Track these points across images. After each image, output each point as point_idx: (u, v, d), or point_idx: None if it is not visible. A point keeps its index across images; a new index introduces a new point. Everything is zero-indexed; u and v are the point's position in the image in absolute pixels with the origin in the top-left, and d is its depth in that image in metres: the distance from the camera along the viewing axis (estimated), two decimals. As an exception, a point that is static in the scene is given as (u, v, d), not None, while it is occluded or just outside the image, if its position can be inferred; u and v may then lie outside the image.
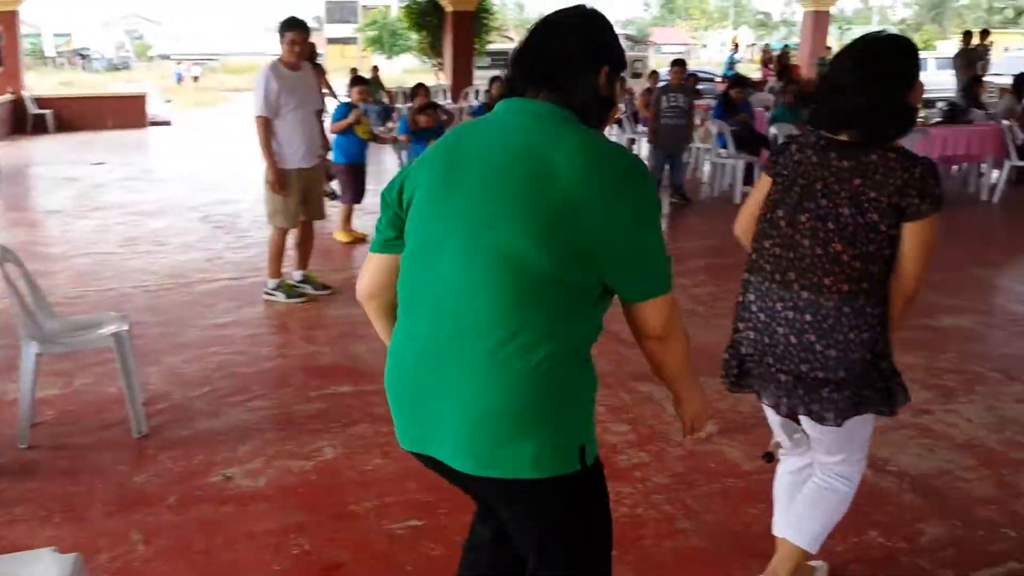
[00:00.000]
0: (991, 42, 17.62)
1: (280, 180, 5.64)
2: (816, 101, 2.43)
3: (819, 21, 23.64)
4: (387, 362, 1.80)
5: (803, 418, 2.43)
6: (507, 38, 47.16)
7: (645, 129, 11.14)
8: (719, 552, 3.03)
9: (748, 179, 10.01)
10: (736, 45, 28.75)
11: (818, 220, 2.30)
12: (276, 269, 5.99)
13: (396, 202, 1.77)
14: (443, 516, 3.22)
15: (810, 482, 2.61)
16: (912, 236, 2.23)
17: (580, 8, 1.78)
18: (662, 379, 1.91)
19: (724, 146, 10.30)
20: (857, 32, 68.03)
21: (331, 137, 7.37)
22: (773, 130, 9.62)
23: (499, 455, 1.61)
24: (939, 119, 11.16)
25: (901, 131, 2.28)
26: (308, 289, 6.10)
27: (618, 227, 1.59)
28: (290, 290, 5.99)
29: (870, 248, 2.25)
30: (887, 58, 2.29)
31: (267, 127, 5.59)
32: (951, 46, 17.94)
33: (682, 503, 3.32)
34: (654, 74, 15.01)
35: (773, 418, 2.58)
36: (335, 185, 7.76)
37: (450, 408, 1.63)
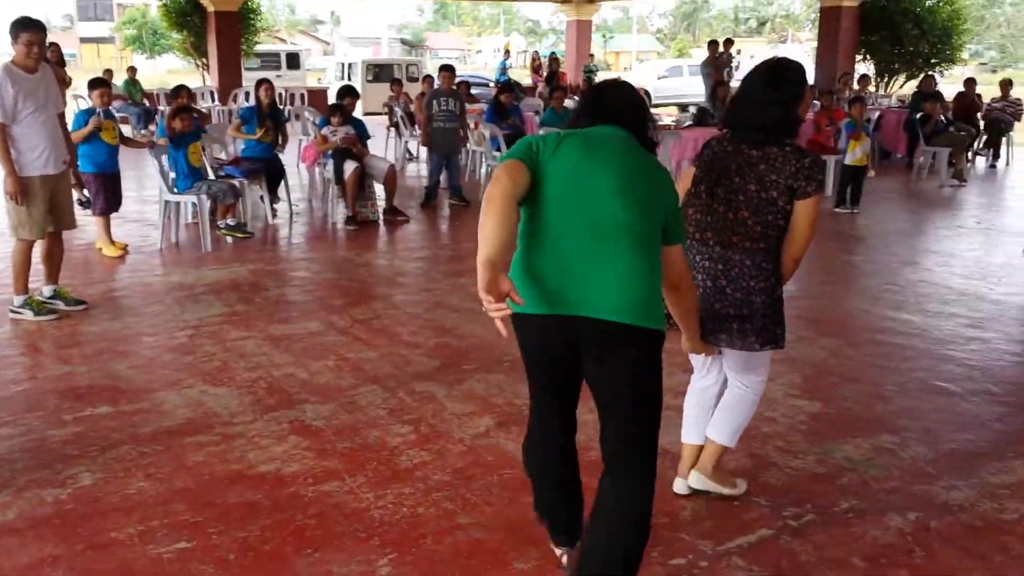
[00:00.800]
0: (738, 50, 19.14)
1: (21, 189, 5.22)
2: (730, 107, 3.16)
3: (582, 30, 24.76)
4: (533, 257, 2.44)
5: (724, 347, 3.15)
6: (278, 39, 45.89)
7: (420, 132, 11.22)
8: (497, 543, 3.10)
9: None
10: (508, 52, 29.42)
11: (731, 193, 3.01)
12: (23, 285, 5.53)
13: (537, 152, 2.47)
14: (213, 536, 3.09)
15: (727, 393, 3.29)
16: (801, 210, 2.96)
17: (631, 87, 2.82)
18: (676, 319, 2.84)
19: (498, 149, 10.54)
20: (620, 40, 71.63)
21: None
22: (542, 133, 9.92)
23: (642, 313, 2.40)
24: (690, 123, 11.95)
25: (791, 135, 3.00)
26: (60, 305, 5.66)
27: (670, 194, 2.59)
28: (39, 307, 5.55)
29: (768, 217, 2.97)
30: (782, 81, 2.98)
31: (3, 133, 5.15)
32: (704, 54, 19.29)
33: (461, 498, 3.38)
34: (428, 78, 15.03)
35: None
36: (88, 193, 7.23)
37: (609, 283, 2.38)
